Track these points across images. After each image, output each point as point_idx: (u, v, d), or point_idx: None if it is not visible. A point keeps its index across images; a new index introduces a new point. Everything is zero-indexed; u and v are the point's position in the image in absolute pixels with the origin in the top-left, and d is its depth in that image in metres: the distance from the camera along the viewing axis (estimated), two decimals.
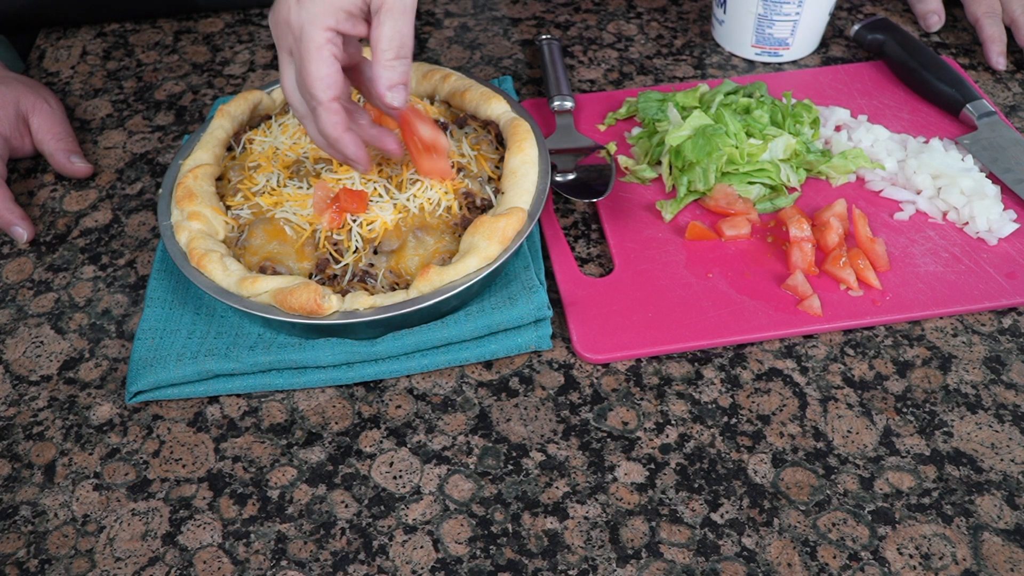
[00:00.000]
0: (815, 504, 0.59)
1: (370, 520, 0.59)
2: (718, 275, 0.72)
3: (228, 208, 0.72)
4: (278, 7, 0.62)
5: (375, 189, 0.70)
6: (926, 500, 0.59)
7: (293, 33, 0.61)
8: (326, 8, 0.60)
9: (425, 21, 1.03)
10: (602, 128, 0.86)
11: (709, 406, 0.64)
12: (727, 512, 0.58)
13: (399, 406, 0.65)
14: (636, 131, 0.84)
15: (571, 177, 0.79)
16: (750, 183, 0.76)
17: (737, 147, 0.76)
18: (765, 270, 0.72)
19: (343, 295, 0.65)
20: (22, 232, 0.78)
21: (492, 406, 0.65)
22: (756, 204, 0.76)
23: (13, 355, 0.71)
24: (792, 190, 0.78)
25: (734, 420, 0.63)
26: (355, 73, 0.67)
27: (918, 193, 0.77)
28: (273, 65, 0.98)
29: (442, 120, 0.77)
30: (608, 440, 0.63)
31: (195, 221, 0.69)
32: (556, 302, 0.71)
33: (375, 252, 0.68)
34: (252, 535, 0.59)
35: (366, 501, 0.60)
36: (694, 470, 0.61)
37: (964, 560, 0.56)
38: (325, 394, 0.66)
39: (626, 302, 0.70)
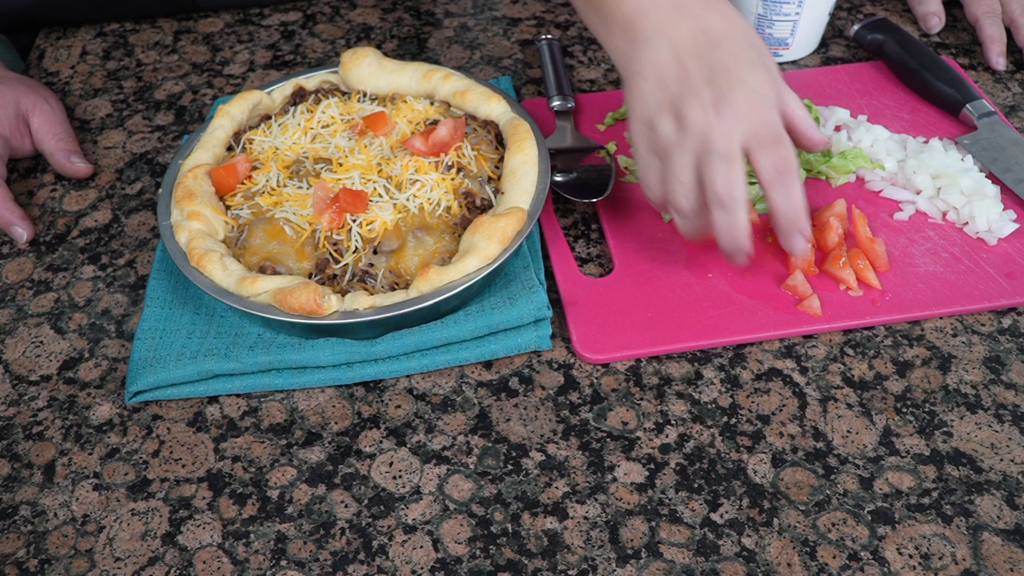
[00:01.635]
0: (815, 504, 0.59)
1: (370, 520, 0.59)
2: (718, 275, 0.72)
3: (228, 208, 0.72)
4: (741, 91, 0.62)
5: (375, 189, 0.70)
6: (926, 500, 0.59)
7: (760, 113, 0.62)
8: (773, 96, 0.63)
9: (425, 21, 1.03)
10: (602, 128, 0.86)
11: (709, 406, 0.64)
12: (727, 512, 0.58)
13: (399, 406, 0.65)
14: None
15: (571, 177, 0.79)
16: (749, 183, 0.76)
17: None
18: (765, 270, 0.72)
19: (343, 295, 0.65)
20: (22, 232, 0.78)
21: (492, 406, 0.65)
22: (756, 204, 0.76)
23: (13, 355, 0.71)
24: None
25: (734, 420, 0.63)
26: None
27: (918, 193, 0.77)
28: (273, 65, 0.98)
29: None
30: (608, 440, 0.63)
31: (195, 221, 0.69)
32: (556, 302, 0.71)
33: (375, 252, 0.68)
34: (252, 535, 0.59)
35: (366, 501, 0.60)
36: (694, 470, 0.61)
37: (964, 560, 0.56)
38: (325, 394, 0.66)
39: (626, 302, 0.70)
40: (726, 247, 0.64)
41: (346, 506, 0.60)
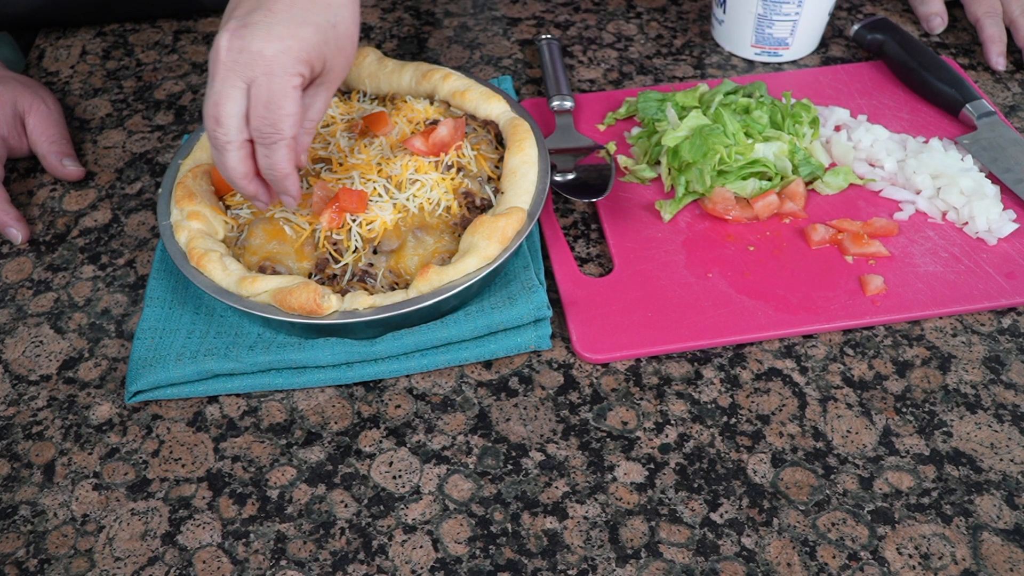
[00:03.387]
0: (814, 504, 0.59)
1: (369, 520, 0.59)
2: (718, 275, 0.72)
3: (227, 208, 0.72)
4: (244, 35, 0.60)
5: (375, 189, 0.70)
6: (925, 500, 0.59)
7: (265, 65, 0.59)
8: (299, 53, 0.60)
9: (425, 21, 1.03)
10: (602, 128, 0.86)
11: (708, 406, 0.64)
12: (726, 512, 0.58)
13: (399, 406, 0.65)
14: (636, 131, 0.84)
15: (571, 177, 0.79)
16: (744, 179, 0.76)
17: (728, 147, 0.76)
18: (765, 270, 0.72)
19: (342, 295, 0.65)
20: (17, 234, 0.78)
21: (492, 406, 0.65)
22: (752, 199, 0.76)
23: (12, 355, 0.71)
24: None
25: (733, 420, 0.63)
26: None
27: (917, 193, 0.77)
28: None
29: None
30: (608, 440, 0.63)
31: (195, 221, 0.69)
32: (556, 302, 0.71)
33: (375, 252, 0.68)
34: (251, 535, 0.59)
35: (365, 501, 0.60)
36: (693, 470, 0.61)
37: (963, 560, 0.56)
38: (324, 394, 0.66)
39: (626, 302, 0.70)
40: (234, 176, 0.63)
41: (346, 506, 0.60)
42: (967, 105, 0.83)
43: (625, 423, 0.64)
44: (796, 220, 0.76)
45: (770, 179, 0.77)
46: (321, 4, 0.62)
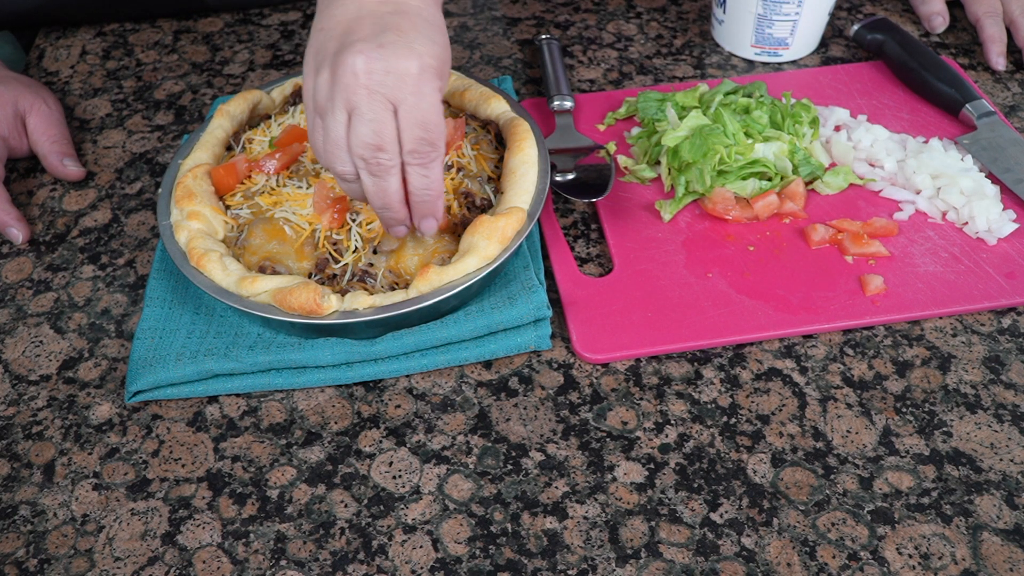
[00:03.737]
0: (814, 504, 0.59)
1: (369, 520, 0.59)
2: (718, 275, 0.72)
3: (227, 208, 0.72)
4: (384, 56, 0.57)
5: None
6: (925, 500, 0.59)
7: (413, 84, 0.57)
8: (437, 70, 0.59)
9: None
10: (602, 128, 0.86)
11: (708, 406, 0.64)
12: (726, 512, 0.58)
13: (398, 406, 0.65)
14: (636, 131, 0.84)
15: (571, 177, 0.79)
16: (744, 179, 0.76)
17: (728, 147, 0.76)
18: (765, 270, 0.72)
19: (342, 295, 0.65)
20: (17, 234, 0.78)
21: (491, 406, 0.65)
22: (752, 199, 0.76)
23: (12, 354, 0.71)
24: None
25: (733, 420, 0.63)
26: None
27: (917, 193, 0.77)
28: (273, 65, 0.98)
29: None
30: (607, 440, 0.63)
31: (194, 220, 0.69)
32: (555, 302, 0.71)
33: (374, 252, 0.68)
34: (251, 535, 0.59)
35: (365, 501, 0.60)
36: (693, 470, 0.61)
37: (963, 560, 0.56)
38: (324, 394, 0.66)
39: (626, 302, 0.70)
40: (376, 209, 0.62)
41: (346, 506, 0.60)
42: (967, 105, 0.83)
43: (625, 423, 0.64)
44: (796, 220, 0.76)
45: (770, 179, 0.77)
46: (435, 24, 0.61)
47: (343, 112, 0.57)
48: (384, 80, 0.56)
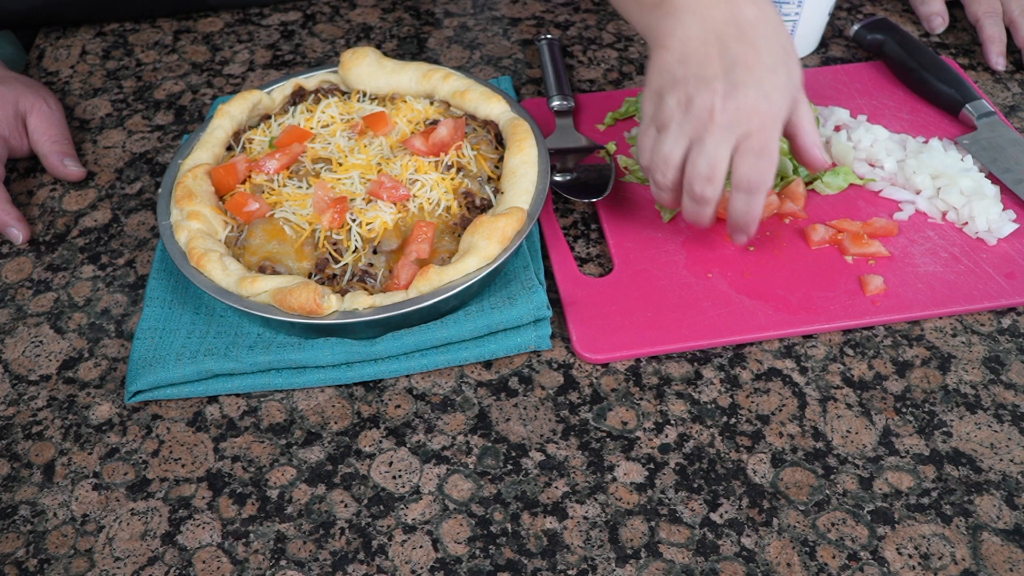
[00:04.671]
0: (814, 504, 0.59)
1: (369, 520, 0.59)
2: (718, 275, 0.72)
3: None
4: (737, 95, 0.62)
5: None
6: (925, 500, 0.59)
7: (760, 120, 0.62)
8: (784, 100, 0.64)
9: (425, 21, 1.03)
10: (602, 128, 0.86)
11: (708, 406, 0.64)
12: (726, 512, 0.58)
13: (398, 406, 0.65)
14: (636, 131, 0.84)
15: (570, 177, 0.79)
16: None
17: None
18: (765, 270, 0.72)
19: (342, 295, 0.65)
20: (18, 234, 0.78)
21: (491, 406, 0.65)
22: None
23: (12, 354, 0.71)
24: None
25: (733, 420, 0.63)
26: None
27: (917, 193, 0.77)
28: (273, 65, 0.98)
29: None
30: (607, 440, 0.63)
31: (194, 220, 0.69)
32: (555, 302, 0.71)
33: (374, 252, 0.68)
34: (251, 535, 0.59)
35: (365, 501, 0.60)
36: (693, 470, 0.61)
37: (963, 560, 0.56)
38: (324, 394, 0.66)
39: (625, 302, 0.70)
40: (689, 220, 0.68)
41: (346, 506, 0.60)
42: (967, 105, 0.83)
43: (625, 423, 0.64)
44: (796, 220, 0.76)
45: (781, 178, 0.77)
46: (777, 43, 0.64)
47: (686, 138, 0.64)
48: (735, 118, 0.62)
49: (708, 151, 0.63)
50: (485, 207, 0.71)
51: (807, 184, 0.78)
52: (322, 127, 0.77)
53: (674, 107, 0.64)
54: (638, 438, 0.63)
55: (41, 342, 0.71)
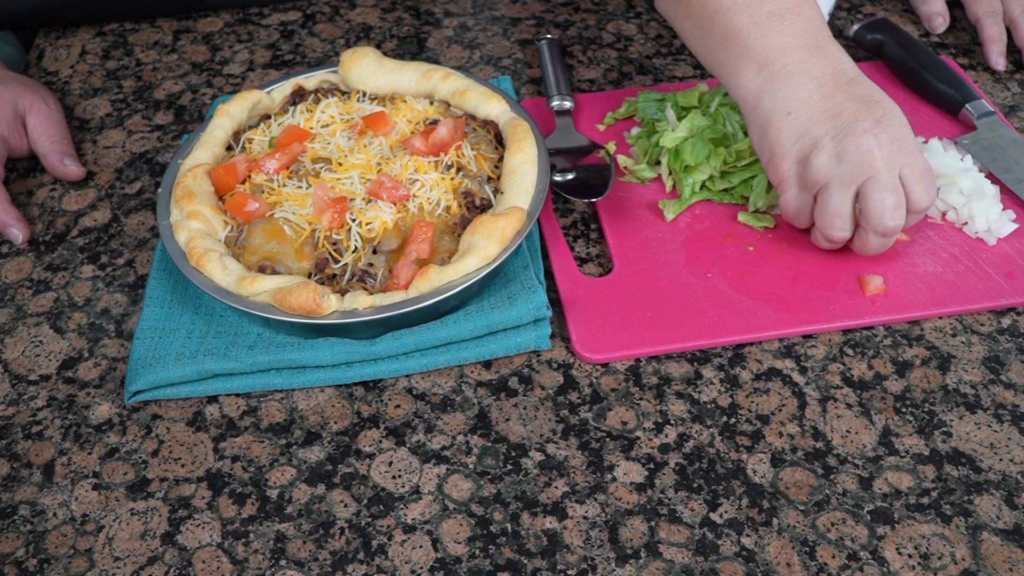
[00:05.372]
0: (814, 504, 0.59)
1: (369, 520, 0.59)
2: (717, 275, 0.72)
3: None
4: (887, 129, 0.65)
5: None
6: (925, 500, 0.59)
7: (908, 146, 0.65)
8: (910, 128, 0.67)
9: (424, 21, 1.03)
10: (601, 128, 0.86)
11: (708, 406, 0.64)
12: (726, 512, 0.58)
13: (398, 406, 0.65)
14: (635, 131, 0.84)
15: (570, 177, 0.79)
16: (748, 180, 0.76)
17: (728, 146, 0.76)
18: (765, 270, 0.72)
19: (342, 295, 0.65)
20: (18, 233, 0.78)
21: (491, 406, 0.65)
22: (761, 198, 0.75)
23: (12, 354, 0.71)
24: None
25: (733, 420, 0.63)
26: None
27: None
28: (273, 65, 0.98)
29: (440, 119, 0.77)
30: (607, 440, 0.63)
31: (194, 220, 0.69)
32: (555, 302, 0.71)
33: (374, 252, 0.68)
34: (251, 535, 0.59)
35: (365, 501, 0.60)
36: (693, 470, 0.61)
37: (963, 560, 0.56)
38: (324, 394, 0.66)
39: (625, 302, 0.70)
40: (871, 253, 0.70)
41: (345, 506, 0.60)
42: (967, 105, 0.83)
43: (625, 423, 0.64)
44: None
45: None
46: (873, 83, 0.68)
47: (852, 187, 0.65)
48: (892, 149, 0.64)
49: (885, 184, 0.64)
50: (485, 207, 0.71)
51: None
52: (322, 127, 0.77)
53: (827, 163, 0.65)
54: (638, 438, 0.63)
55: (41, 342, 0.71)
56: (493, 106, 0.78)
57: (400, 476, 0.61)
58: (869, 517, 0.58)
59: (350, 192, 0.70)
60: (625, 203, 0.78)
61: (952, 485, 0.59)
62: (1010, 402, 0.64)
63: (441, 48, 0.99)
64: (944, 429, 0.62)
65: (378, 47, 0.99)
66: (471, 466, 0.62)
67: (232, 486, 0.61)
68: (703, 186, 0.77)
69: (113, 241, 0.79)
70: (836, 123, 0.65)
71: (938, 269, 0.71)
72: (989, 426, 0.63)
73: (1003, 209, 0.75)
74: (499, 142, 0.77)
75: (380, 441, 0.63)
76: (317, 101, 0.80)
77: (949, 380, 0.65)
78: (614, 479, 0.60)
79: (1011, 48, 0.93)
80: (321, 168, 0.73)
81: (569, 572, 0.56)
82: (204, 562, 0.57)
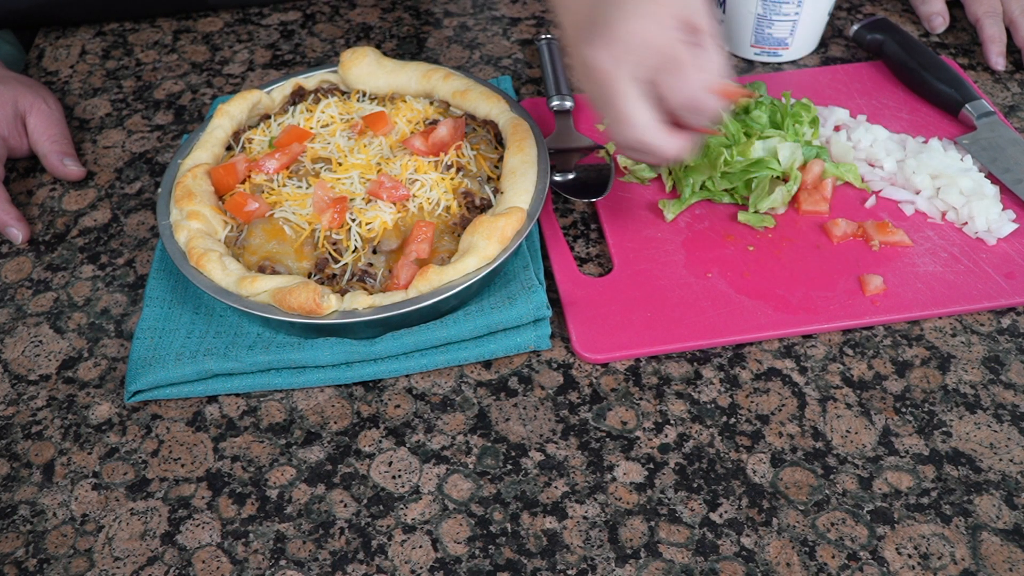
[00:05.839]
0: (814, 504, 0.59)
1: (369, 520, 0.59)
2: (717, 275, 0.72)
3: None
4: (636, 28, 0.61)
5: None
6: (925, 500, 0.59)
7: (661, 55, 0.60)
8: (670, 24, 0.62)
9: (424, 21, 1.03)
10: (601, 128, 0.86)
11: (708, 406, 0.64)
12: (726, 512, 0.58)
13: (398, 406, 0.65)
14: None
15: (570, 177, 0.79)
16: (748, 180, 0.76)
17: (728, 147, 0.76)
18: (765, 270, 0.72)
19: (342, 295, 0.65)
20: (17, 233, 0.78)
21: (491, 406, 0.65)
22: (761, 199, 0.75)
23: (12, 354, 0.71)
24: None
25: (733, 420, 0.63)
26: None
27: (917, 193, 0.77)
28: (273, 64, 0.98)
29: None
30: (607, 440, 0.63)
31: (194, 220, 0.69)
32: (555, 302, 0.71)
33: (374, 252, 0.68)
34: (251, 535, 0.59)
35: (365, 501, 0.60)
36: (693, 470, 0.61)
37: (963, 560, 0.56)
38: (324, 393, 0.66)
39: (625, 302, 0.70)
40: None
41: (345, 506, 0.60)
42: (967, 105, 0.83)
43: (624, 423, 0.64)
44: (800, 215, 0.75)
45: (779, 177, 0.77)
46: None
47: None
48: (627, 50, 0.60)
49: (614, 95, 0.61)
50: (485, 207, 0.71)
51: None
52: (322, 127, 0.77)
53: (579, 70, 0.63)
54: (638, 438, 0.63)
55: (41, 342, 0.71)
56: (493, 106, 0.78)
57: (400, 476, 0.61)
58: (869, 517, 0.58)
59: (350, 192, 0.70)
60: (625, 203, 0.78)
61: (952, 485, 0.59)
62: (1010, 402, 0.64)
63: (441, 48, 0.99)
64: (944, 429, 0.62)
65: (378, 47, 0.99)
66: (471, 466, 0.62)
67: (232, 486, 0.61)
68: (703, 186, 0.77)
69: (113, 241, 0.79)
70: (576, 33, 0.63)
71: (938, 269, 0.71)
72: (989, 426, 0.63)
73: (1003, 209, 0.75)
74: (499, 142, 0.77)
75: (380, 441, 0.63)
76: (317, 101, 0.80)
77: (949, 380, 0.65)
78: (614, 479, 0.60)
79: (1011, 48, 0.93)
80: (321, 168, 0.73)
81: (569, 572, 0.56)
82: (204, 562, 0.57)
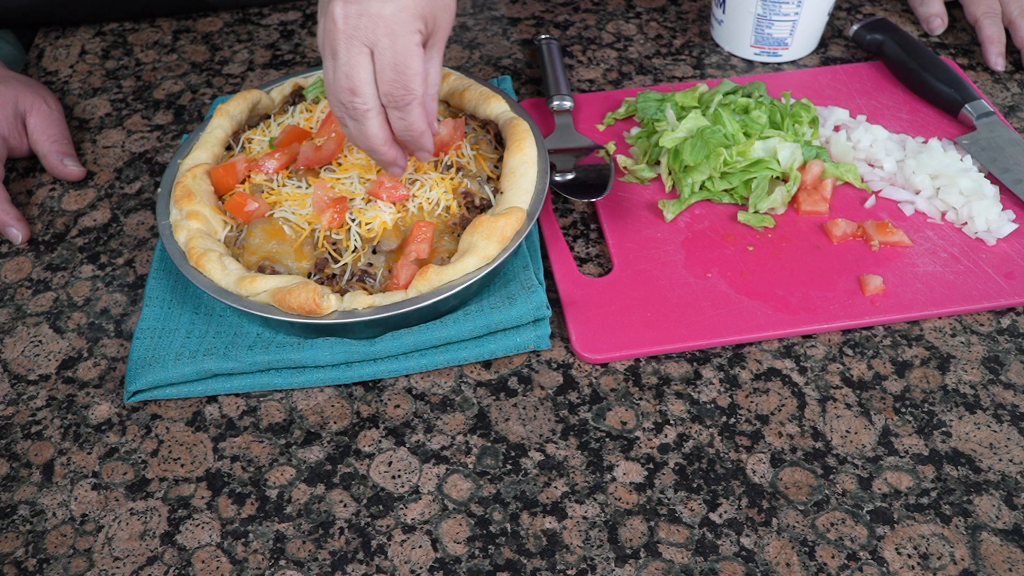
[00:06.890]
0: (813, 504, 0.59)
1: (369, 520, 0.59)
2: (717, 275, 0.72)
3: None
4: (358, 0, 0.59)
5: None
6: (924, 500, 0.59)
7: (386, 26, 0.59)
8: (415, 10, 0.60)
9: None
10: (601, 128, 0.86)
11: (708, 406, 0.64)
12: (725, 512, 0.58)
13: (398, 406, 0.65)
14: (635, 131, 0.84)
15: (570, 177, 0.79)
16: (748, 180, 0.76)
17: (728, 147, 0.76)
18: (764, 270, 0.72)
19: (342, 295, 0.65)
20: (17, 233, 0.78)
21: (491, 406, 0.65)
22: (761, 199, 0.75)
23: (12, 354, 0.71)
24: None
25: (733, 420, 0.63)
26: None
27: (917, 193, 0.77)
28: (272, 64, 0.98)
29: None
30: (607, 440, 0.63)
31: (194, 220, 0.69)
32: (555, 302, 0.71)
33: (374, 252, 0.68)
34: (251, 534, 0.59)
35: (365, 501, 0.60)
36: (693, 470, 0.61)
37: (962, 560, 0.56)
38: (324, 393, 0.66)
39: (625, 302, 0.70)
40: (364, 151, 0.65)
41: (345, 506, 0.60)
42: (966, 105, 0.83)
43: (624, 423, 0.64)
44: (799, 216, 0.76)
45: (779, 177, 0.77)
46: None
47: (330, 59, 0.60)
48: (358, 24, 0.58)
49: (342, 61, 0.59)
50: (485, 207, 0.71)
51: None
52: None
53: (319, 32, 0.62)
54: (637, 438, 0.63)
55: (40, 342, 0.71)
56: (493, 106, 0.78)
57: (400, 476, 0.61)
58: (868, 517, 0.58)
59: (350, 192, 0.70)
60: (625, 203, 0.78)
61: (951, 485, 0.59)
62: (1009, 402, 0.64)
63: None
64: (943, 429, 0.62)
65: None
66: (471, 466, 0.62)
67: (232, 486, 0.61)
68: (703, 186, 0.77)
69: (113, 241, 0.79)
70: None
71: (938, 269, 0.71)
72: (988, 426, 0.63)
73: (1002, 209, 0.75)
74: (499, 142, 0.77)
75: (380, 441, 0.63)
76: (316, 101, 0.80)
77: (948, 380, 0.65)
78: (613, 479, 0.60)
79: (1010, 48, 0.93)
80: (320, 168, 0.72)
81: (569, 572, 0.56)
82: (203, 562, 0.57)
